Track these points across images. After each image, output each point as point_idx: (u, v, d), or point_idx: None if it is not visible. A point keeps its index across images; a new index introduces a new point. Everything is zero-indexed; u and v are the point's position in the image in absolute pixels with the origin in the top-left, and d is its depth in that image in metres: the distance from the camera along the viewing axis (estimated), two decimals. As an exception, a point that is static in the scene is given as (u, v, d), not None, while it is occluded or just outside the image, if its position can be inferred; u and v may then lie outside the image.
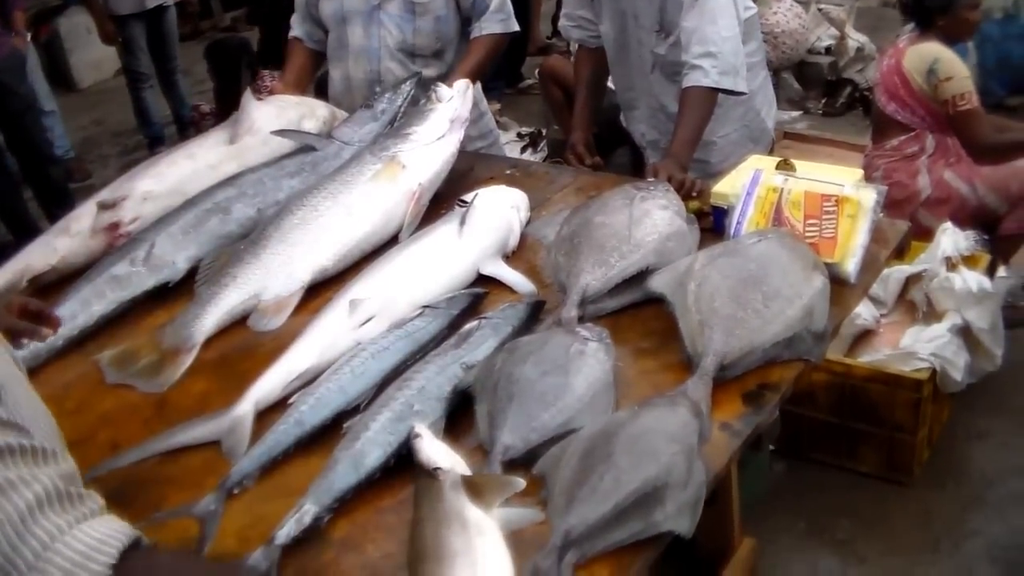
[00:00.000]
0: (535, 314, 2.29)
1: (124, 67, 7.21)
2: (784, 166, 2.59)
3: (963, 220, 3.90)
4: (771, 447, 3.41)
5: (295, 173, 2.93)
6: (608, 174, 3.42)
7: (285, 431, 2.03)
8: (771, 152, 3.50)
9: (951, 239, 3.66)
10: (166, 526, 1.90)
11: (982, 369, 3.53)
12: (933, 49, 3.96)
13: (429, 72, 3.38)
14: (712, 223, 2.55)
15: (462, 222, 2.55)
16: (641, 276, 2.28)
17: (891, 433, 3.37)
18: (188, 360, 2.36)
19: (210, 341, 2.42)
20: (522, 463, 1.86)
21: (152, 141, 7.30)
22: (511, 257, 2.62)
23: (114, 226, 2.81)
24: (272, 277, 2.54)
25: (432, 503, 1.63)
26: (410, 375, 2.07)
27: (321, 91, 4.12)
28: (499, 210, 2.65)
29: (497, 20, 3.40)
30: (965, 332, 3.46)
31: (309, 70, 3.68)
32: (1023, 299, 4.08)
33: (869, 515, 3.31)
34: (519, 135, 6.54)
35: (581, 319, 2.22)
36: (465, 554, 1.56)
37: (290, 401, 2.12)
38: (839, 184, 2.39)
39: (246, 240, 2.66)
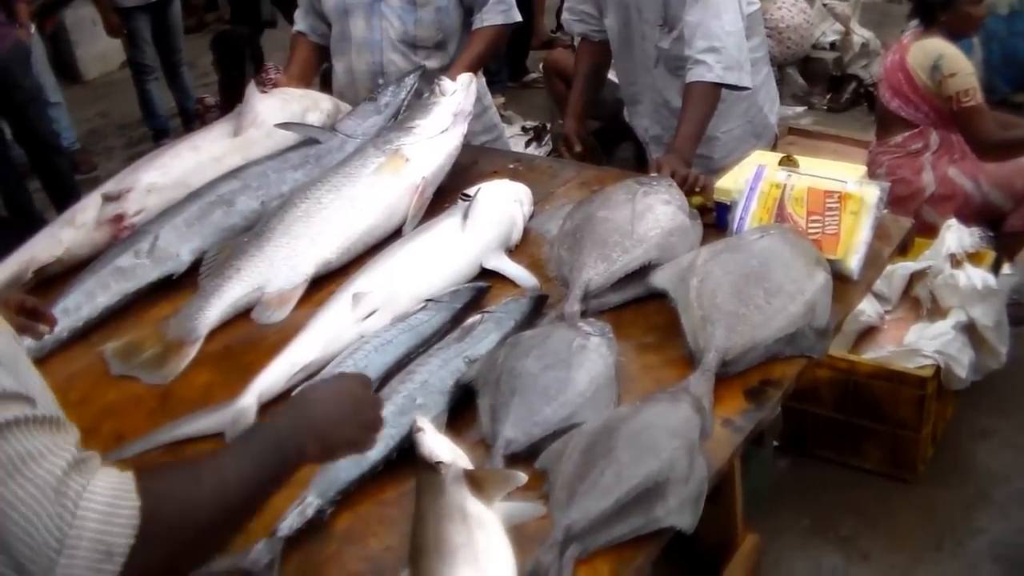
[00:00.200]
0: (538, 308, 2.30)
1: (129, 59, 7.22)
2: (787, 162, 2.59)
3: (968, 217, 3.89)
4: (775, 443, 3.41)
5: (299, 166, 2.93)
6: (611, 169, 3.42)
7: (288, 424, 2.03)
8: (775, 148, 3.49)
9: (956, 236, 3.66)
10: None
11: (987, 366, 3.53)
12: (937, 45, 3.96)
13: (432, 63, 3.38)
14: (715, 219, 2.55)
15: (465, 216, 2.55)
16: (644, 271, 2.28)
17: (895, 430, 3.37)
18: (192, 352, 2.37)
19: (214, 333, 2.43)
20: (524, 457, 1.86)
21: (157, 133, 7.31)
22: (514, 251, 2.62)
23: (119, 218, 2.81)
24: (276, 270, 2.55)
25: (434, 497, 1.63)
26: (413, 368, 2.08)
27: (327, 84, 4.13)
28: (502, 204, 2.65)
29: (499, 11, 3.39)
30: (970, 329, 3.45)
31: (313, 63, 3.68)
32: (1028, 296, 4.08)
33: (873, 512, 3.31)
34: (523, 129, 6.54)
35: (584, 314, 2.22)
36: (466, 548, 1.56)
37: (293, 394, 2.12)
38: (842, 180, 2.39)
39: (250, 233, 2.66)
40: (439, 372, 2.05)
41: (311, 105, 3.25)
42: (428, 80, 3.12)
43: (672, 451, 1.72)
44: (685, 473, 1.72)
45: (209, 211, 2.76)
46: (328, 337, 2.26)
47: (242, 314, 2.50)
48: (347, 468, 1.88)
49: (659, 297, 2.23)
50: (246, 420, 2.08)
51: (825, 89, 6.70)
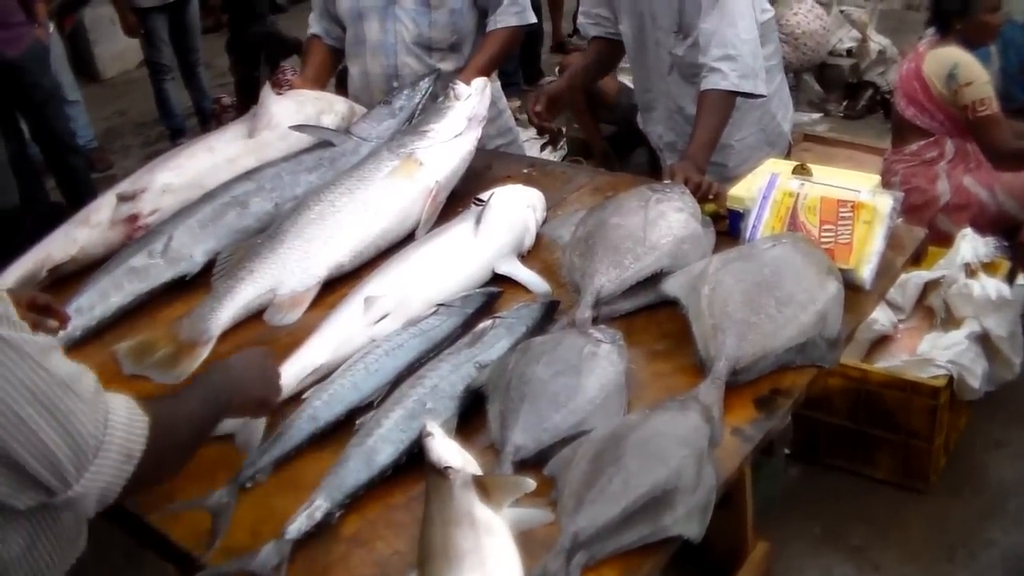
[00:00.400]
0: (549, 314, 2.30)
1: (146, 59, 7.25)
2: (801, 171, 2.59)
3: (983, 226, 3.88)
4: (786, 451, 3.40)
5: (313, 168, 2.94)
6: (625, 175, 3.42)
7: (299, 426, 2.04)
8: (790, 154, 3.49)
9: (970, 245, 3.64)
10: (179, 517, 1.92)
11: (1000, 377, 3.50)
12: (953, 54, 3.94)
13: (446, 65, 3.39)
14: (728, 226, 2.55)
15: (478, 221, 2.55)
16: (656, 278, 2.28)
17: (907, 440, 3.36)
18: (204, 353, 2.37)
19: (226, 335, 2.43)
20: (533, 463, 1.87)
21: (173, 132, 7.34)
22: (527, 256, 2.63)
23: (133, 218, 2.82)
24: (288, 272, 2.55)
25: (442, 502, 1.64)
26: (424, 373, 2.08)
27: (342, 86, 4.14)
28: (515, 209, 2.65)
29: (512, 12, 3.40)
30: (983, 339, 3.43)
31: (328, 66, 3.69)
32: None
33: (884, 522, 3.29)
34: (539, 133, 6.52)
35: (595, 320, 2.22)
36: (474, 553, 1.57)
37: (304, 396, 2.13)
38: (855, 190, 2.38)
39: (263, 235, 2.67)
40: (449, 377, 2.05)
41: (326, 107, 3.26)
42: (443, 83, 3.13)
43: (680, 460, 1.72)
44: (693, 482, 1.71)
45: (223, 212, 2.77)
46: (340, 340, 2.26)
47: (254, 316, 2.50)
48: (356, 471, 1.89)
49: (671, 304, 2.23)
50: (257, 422, 2.08)
51: (841, 96, 6.68)
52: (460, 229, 2.58)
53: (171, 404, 1.69)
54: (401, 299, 2.35)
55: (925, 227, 3.09)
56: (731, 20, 2.85)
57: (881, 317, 3.55)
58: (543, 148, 6.27)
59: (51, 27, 6.18)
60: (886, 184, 3.43)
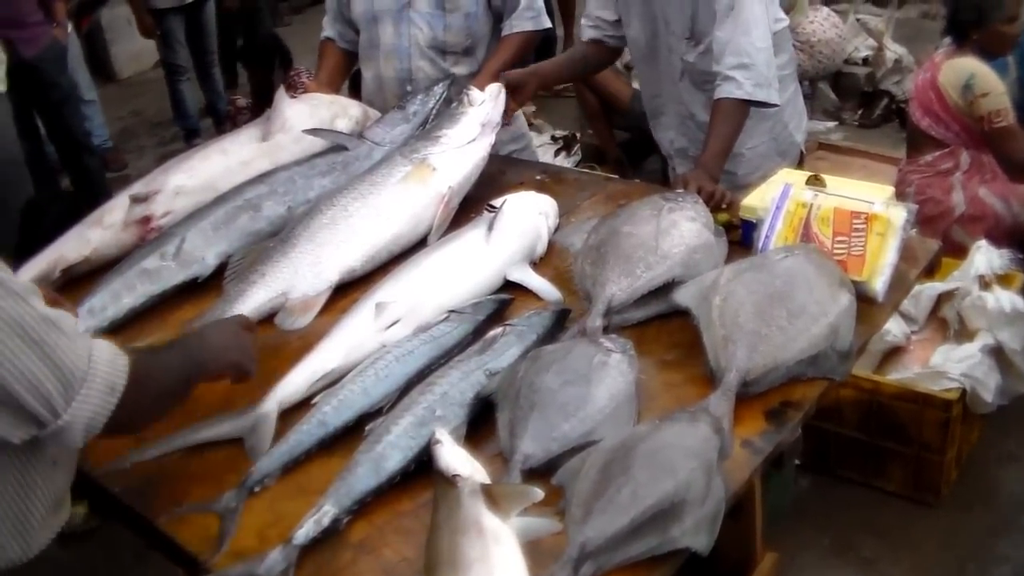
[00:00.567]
0: (560, 322, 2.29)
1: (162, 60, 7.27)
2: (814, 181, 2.57)
3: (998, 238, 3.86)
4: (796, 462, 3.39)
5: (326, 172, 2.94)
6: (638, 183, 3.41)
7: (308, 431, 2.04)
8: (803, 163, 3.47)
9: (985, 257, 3.62)
10: (187, 520, 1.93)
11: (1014, 391, 3.48)
12: (969, 64, 3.93)
13: (460, 70, 3.39)
14: (740, 236, 2.54)
15: (490, 227, 2.55)
16: (667, 287, 2.27)
17: (919, 452, 3.34)
18: None
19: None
20: (541, 473, 1.86)
21: (188, 133, 7.36)
22: (538, 264, 2.62)
23: (146, 220, 2.83)
24: (300, 276, 2.56)
25: (450, 510, 1.63)
26: (433, 380, 2.08)
27: (355, 89, 4.15)
28: (528, 216, 2.65)
29: (528, 17, 3.40)
30: (997, 352, 3.41)
31: (342, 70, 3.70)
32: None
33: (895, 534, 3.28)
34: (553, 138, 6.53)
35: (606, 329, 2.22)
36: (481, 562, 1.56)
37: (313, 401, 2.13)
38: (869, 201, 2.37)
39: (275, 238, 2.67)
40: (459, 384, 2.05)
41: (340, 111, 3.26)
42: (457, 88, 3.13)
43: (689, 472, 1.71)
44: (702, 494, 1.71)
45: (236, 215, 2.78)
46: (350, 345, 2.26)
47: (265, 319, 2.50)
48: (364, 478, 1.89)
49: (683, 313, 2.22)
50: (266, 426, 2.09)
51: (856, 105, 6.65)
52: (472, 235, 2.57)
53: (149, 355, 1.84)
54: (412, 305, 2.35)
55: (939, 238, 3.09)
56: (745, 28, 2.84)
57: (894, 328, 3.54)
58: (556, 154, 6.29)
59: (69, 27, 6.21)
60: (900, 194, 3.42)
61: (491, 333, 2.22)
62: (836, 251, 2.31)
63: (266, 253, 2.61)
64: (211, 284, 2.65)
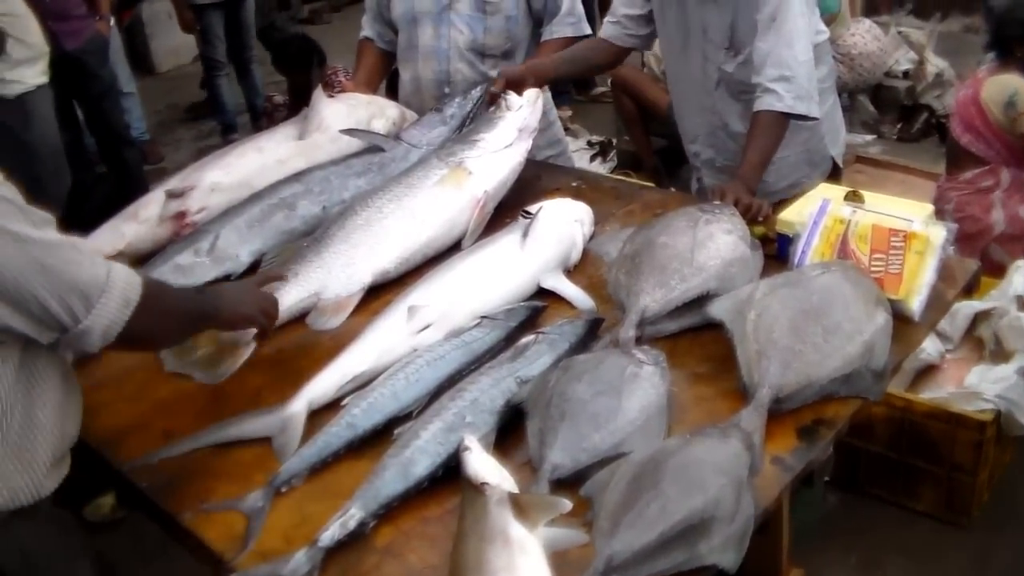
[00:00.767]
0: (593, 331, 2.28)
1: (201, 55, 7.32)
2: (853, 197, 2.55)
3: (1038, 259, 3.81)
4: (826, 478, 3.36)
5: (362, 173, 2.95)
6: (675, 192, 3.39)
7: (336, 433, 2.04)
8: (841, 176, 3.43)
9: (1024, 277, 3.58)
10: (212, 518, 1.93)
11: (1050, 413, 3.44)
12: (1013, 81, 3.88)
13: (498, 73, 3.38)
14: (776, 250, 2.52)
15: (525, 234, 2.54)
16: (702, 300, 2.25)
17: (950, 473, 3.30)
18: (246, 354, 2.37)
19: (268, 337, 2.42)
20: (570, 483, 1.85)
21: (225, 128, 7.41)
22: (572, 271, 2.61)
23: (181, 215, 2.84)
24: (333, 277, 2.56)
25: (477, 518, 1.62)
26: (464, 386, 2.07)
27: (392, 90, 4.15)
28: (563, 224, 2.64)
29: (568, 23, 3.39)
30: (1034, 375, 3.37)
31: (380, 70, 3.71)
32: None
33: (923, 555, 3.24)
34: (589, 143, 6.52)
35: (639, 340, 2.20)
36: (507, 572, 1.56)
37: (343, 403, 2.13)
38: (908, 219, 2.34)
39: (309, 238, 2.68)
40: (490, 391, 2.04)
41: (377, 112, 3.27)
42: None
43: (719, 488, 1.70)
44: (731, 511, 1.69)
45: (270, 213, 2.78)
46: (381, 348, 2.26)
47: (297, 319, 2.51)
48: (392, 482, 1.89)
49: (716, 326, 2.20)
50: (295, 427, 2.09)
51: (896, 118, 6.59)
52: (507, 241, 2.56)
53: (164, 284, 2.14)
54: (445, 310, 2.34)
55: (978, 256, 3.06)
56: (788, 41, 2.81)
57: (928, 346, 3.50)
58: (592, 159, 6.27)
59: (111, 21, 6.25)
60: (939, 211, 3.39)
61: (523, 340, 2.20)
62: (873, 268, 2.29)
63: (300, 253, 2.61)
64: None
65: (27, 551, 1.83)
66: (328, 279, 2.55)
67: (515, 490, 1.68)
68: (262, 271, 2.54)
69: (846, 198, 2.54)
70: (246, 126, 7.43)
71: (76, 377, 1.97)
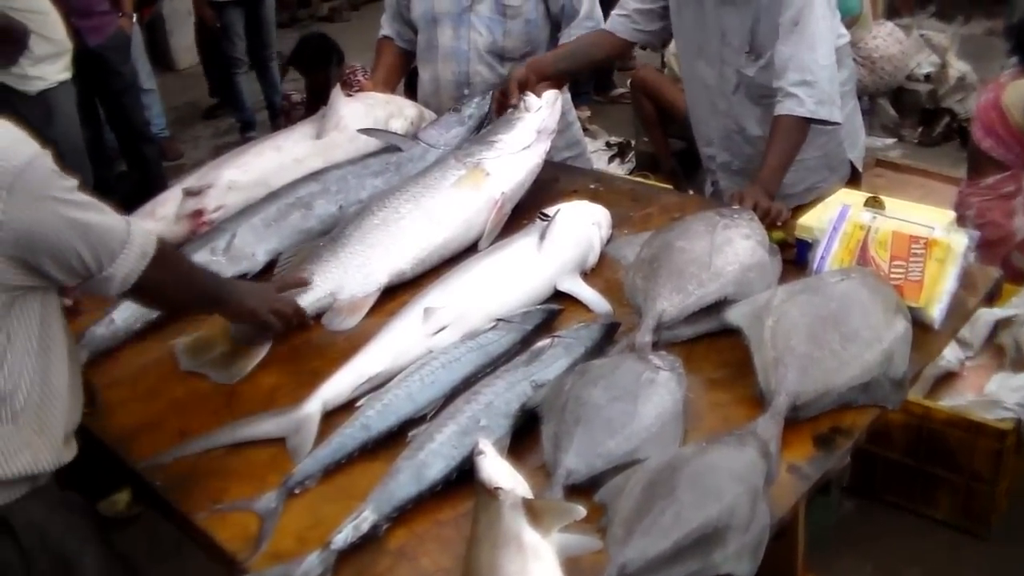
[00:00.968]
0: (609, 336, 2.26)
1: (220, 52, 7.33)
2: (873, 203, 2.53)
3: (1060, 266, 3.79)
4: (843, 485, 3.34)
5: (379, 172, 2.94)
6: (693, 196, 3.37)
7: (351, 435, 2.03)
8: (860, 180, 3.41)
9: (1046, 285, 3.55)
10: (225, 518, 1.93)
11: (1071, 423, 3.41)
12: (1034, 85, 3.85)
13: None
14: (795, 255, 2.50)
15: (542, 236, 2.53)
16: (719, 305, 2.24)
17: (969, 481, 3.28)
18: (261, 353, 2.38)
19: (283, 337, 2.43)
20: (584, 488, 1.84)
21: (244, 126, 7.42)
22: (589, 274, 2.59)
23: (198, 213, 2.84)
24: (349, 277, 2.55)
25: (490, 523, 1.62)
26: (479, 389, 2.06)
27: (410, 89, 4.15)
28: (580, 226, 2.62)
29: (587, 27, 3.37)
30: (1055, 383, 3.34)
31: (399, 69, 3.70)
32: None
33: (939, 565, 3.22)
34: (607, 144, 6.51)
35: (655, 345, 2.18)
36: (519, 577, 1.55)
37: (358, 404, 2.12)
38: (929, 226, 2.32)
39: (326, 238, 2.67)
40: (505, 394, 2.03)
41: (395, 111, 3.26)
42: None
43: (735, 496, 1.68)
44: (746, 520, 1.68)
45: (287, 213, 2.78)
46: (397, 350, 2.26)
47: (313, 319, 2.50)
48: (406, 485, 1.88)
49: (733, 332, 2.18)
50: (309, 428, 2.08)
51: (917, 122, 6.55)
52: (524, 243, 2.55)
53: (180, 252, 2.46)
54: (461, 312, 2.33)
55: (999, 263, 3.03)
56: (811, 44, 2.78)
57: (948, 353, 3.47)
58: (611, 160, 6.26)
59: (134, 17, 6.28)
60: (960, 217, 3.35)
61: (539, 344, 2.19)
62: (893, 276, 2.27)
63: (316, 252, 2.61)
64: (260, 281, 2.65)
65: (43, 529, 1.88)
66: (344, 279, 2.55)
67: (529, 495, 1.68)
68: (284, 275, 2.56)
69: (866, 204, 2.52)
70: (264, 123, 7.45)
71: (92, 376, 2.03)
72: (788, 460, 1.91)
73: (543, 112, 2.92)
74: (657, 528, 1.65)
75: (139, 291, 1.98)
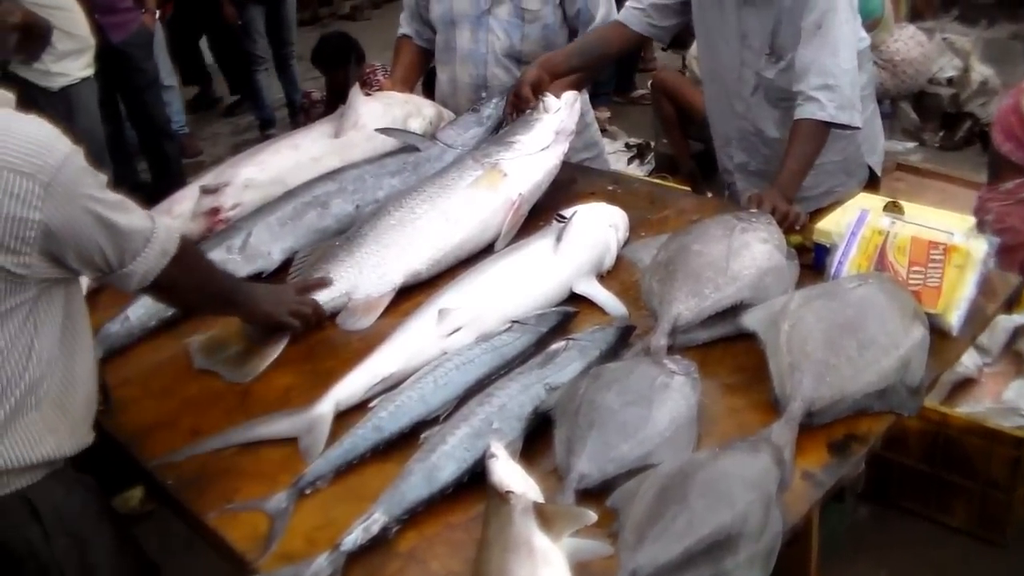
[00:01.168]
0: (624, 339, 2.25)
1: (241, 49, 7.35)
2: (892, 208, 2.51)
3: (1080, 273, 3.74)
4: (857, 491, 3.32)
5: (396, 172, 2.94)
6: (711, 199, 3.35)
7: (363, 435, 2.03)
8: (879, 184, 3.38)
9: (1066, 292, 3.51)
10: (236, 518, 1.93)
11: (1089, 431, 3.37)
12: (1055, 90, 3.81)
13: None
14: (813, 260, 2.48)
15: (559, 238, 2.52)
16: (735, 309, 2.22)
17: (985, 489, 3.25)
18: (275, 353, 2.38)
19: (297, 337, 2.43)
20: (596, 493, 1.83)
21: (263, 123, 7.44)
22: (605, 277, 2.58)
23: (214, 211, 2.85)
24: (364, 277, 2.55)
25: (501, 527, 1.61)
26: (492, 391, 2.05)
27: (428, 88, 4.14)
28: (597, 228, 2.61)
29: None
30: (1073, 391, 3.31)
31: (417, 67, 3.70)
32: None
33: (955, 573, 3.19)
34: (627, 146, 6.49)
35: (670, 349, 2.17)
36: (529, 583, 1.54)
37: (371, 405, 2.12)
38: (949, 232, 2.30)
39: (342, 237, 2.67)
40: (518, 397, 2.02)
41: (413, 111, 3.26)
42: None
43: (747, 504, 1.67)
44: (759, 527, 1.66)
45: (303, 212, 2.78)
46: (411, 351, 2.25)
47: (327, 318, 2.50)
48: (417, 487, 1.87)
49: (748, 336, 2.17)
50: (322, 428, 2.08)
51: (938, 126, 6.50)
52: (540, 245, 2.55)
53: (202, 252, 2.41)
54: (476, 313, 2.33)
55: (1017, 270, 3.00)
56: (833, 49, 2.76)
57: (966, 360, 3.43)
58: (630, 161, 6.24)
59: (156, 14, 6.30)
60: (979, 223, 3.32)
61: (553, 347, 2.18)
62: (911, 281, 2.25)
63: (332, 252, 2.61)
64: (275, 279, 2.66)
65: (61, 509, 1.92)
66: (360, 279, 2.54)
67: (540, 499, 1.67)
68: (304, 278, 2.56)
69: (885, 209, 2.50)
70: (284, 121, 7.46)
71: (106, 373, 2.04)
72: (802, 467, 1.89)
73: (562, 113, 2.91)
74: (668, 534, 1.64)
75: (157, 288, 2.03)
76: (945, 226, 2.36)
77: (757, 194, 2.66)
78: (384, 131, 3.06)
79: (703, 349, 2.25)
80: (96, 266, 1.90)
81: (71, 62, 4.73)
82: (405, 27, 3.65)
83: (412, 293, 2.58)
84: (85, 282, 2.70)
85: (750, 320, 2.15)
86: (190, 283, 2.13)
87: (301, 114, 7.17)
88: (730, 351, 2.25)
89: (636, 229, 2.77)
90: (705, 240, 2.35)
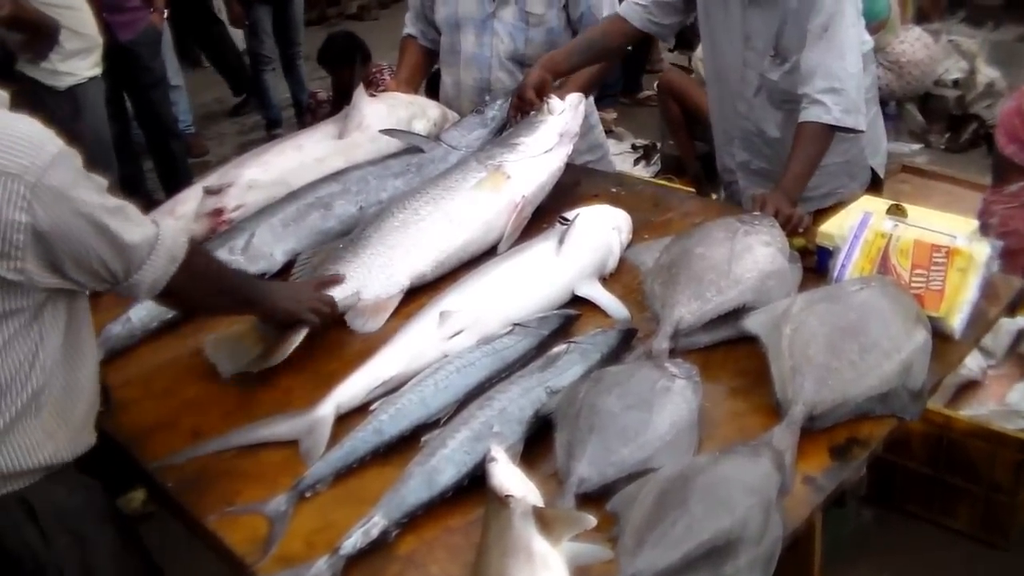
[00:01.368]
0: (626, 342, 2.25)
1: (248, 49, 7.36)
2: (896, 211, 2.50)
3: (1084, 276, 3.72)
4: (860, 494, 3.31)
5: (400, 173, 2.93)
6: (715, 202, 3.34)
7: (363, 439, 2.03)
8: (884, 186, 3.37)
9: (1070, 295, 3.50)
10: (235, 521, 1.93)
11: (1093, 435, 3.36)
12: (1058, 92, 3.80)
13: None
14: (816, 263, 2.48)
15: (562, 240, 2.52)
16: (737, 312, 2.22)
17: (988, 492, 3.24)
18: (296, 341, 2.33)
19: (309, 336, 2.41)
20: (596, 497, 1.83)
21: (270, 123, 7.44)
22: (608, 279, 2.58)
23: (218, 212, 2.85)
24: (373, 277, 2.54)
25: (500, 530, 1.61)
26: (493, 394, 2.05)
27: (432, 88, 4.14)
28: (600, 231, 2.61)
29: None
30: (1078, 394, 3.30)
31: (422, 67, 3.70)
32: None
33: (958, 576, 3.19)
34: (633, 147, 6.49)
35: (672, 352, 2.17)
36: (528, 587, 1.54)
37: (371, 408, 2.12)
38: (951, 235, 2.30)
39: (345, 240, 2.67)
40: (519, 400, 2.02)
41: (418, 112, 3.26)
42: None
43: (747, 509, 1.66)
44: (759, 532, 1.66)
45: (306, 213, 2.78)
46: (412, 353, 2.25)
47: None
48: (416, 490, 1.87)
49: (750, 340, 2.16)
50: (322, 431, 2.08)
51: (944, 128, 6.48)
52: (543, 247, 2.54)
53: (212, 254, 2.35)
54: (477, 315, 2.32)
55: (1021, 273, 2.98)
56: (839, 52, 2.74)
57: (970, 362, 3.43)
58: (636, 163, 6.24)
59: (165, 13, 6.30)
60: (984, 226, 3.31)
61: (555, 350, 2.18)
62: (914, 285, 2.24)
63: (336, 253, 2.60)
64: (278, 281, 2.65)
65: (62, 509, 1.90)
66: (368, 278, 2.54)
67: (540, 503, 1.67)
68: (321, 275, 2.53)
69: (889, 212, 2.50)
70: (290, 121, 7.46)
71: (107, 374, 2.02)
72: (803, 471, 1.89)
73: (566, 115, 2.91)
74: (668, 539, 1.63)
75: (169, 295, 1.99)
76: (948, 229, 2.35)
77: (760, 196, 2.65)
78: (388, 132, 3.06)
79: (705, 352, 2.25)
80: (100, 276, 1.84)
81: (79, 61, 4.72)
82: (410, 27, 3.65)
83: (414, 295, 2.58)
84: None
85: (752, 323, 2.15)
86: (203, 287, 2.08)
87: (307, 114, 7.16)
88: (732, 355, 2.24)
89: (639, 231, 2.76)
90: (708, 243, 2.35)
